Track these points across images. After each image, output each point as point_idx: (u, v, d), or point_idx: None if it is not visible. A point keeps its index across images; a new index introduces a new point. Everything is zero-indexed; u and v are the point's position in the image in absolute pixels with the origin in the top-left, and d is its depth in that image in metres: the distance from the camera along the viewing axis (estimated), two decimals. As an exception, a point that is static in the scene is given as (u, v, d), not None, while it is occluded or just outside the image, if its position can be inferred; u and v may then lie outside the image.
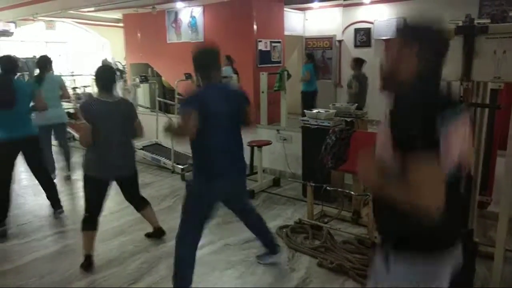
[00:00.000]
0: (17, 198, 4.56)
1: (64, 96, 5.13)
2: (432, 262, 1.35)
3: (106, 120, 2.89)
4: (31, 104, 3.76)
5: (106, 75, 3.03)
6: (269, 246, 3.03)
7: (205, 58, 2.53)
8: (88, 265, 3.05)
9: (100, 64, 7.30)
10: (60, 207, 4.04)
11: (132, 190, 3.32)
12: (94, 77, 3.08)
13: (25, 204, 4.48)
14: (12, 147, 3.58)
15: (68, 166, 5.31)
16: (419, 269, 1.36)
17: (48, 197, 4.02)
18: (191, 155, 5.59)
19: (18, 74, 8.50)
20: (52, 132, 5.16)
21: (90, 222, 3.04)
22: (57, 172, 5.22)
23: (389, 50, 1.37)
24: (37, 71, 5.03)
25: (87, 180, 3.01)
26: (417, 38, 1.30)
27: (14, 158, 3.66)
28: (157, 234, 3.51)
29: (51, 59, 5.11)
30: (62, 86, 5.07)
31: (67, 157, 5.28)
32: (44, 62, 4.93)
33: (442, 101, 1.31)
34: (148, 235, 3.55)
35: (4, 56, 3.79)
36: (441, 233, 1.32)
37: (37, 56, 9.50)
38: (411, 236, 1.34)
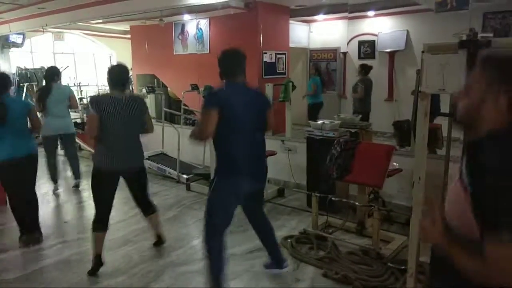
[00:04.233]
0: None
1: (73, 105, 5.17)
2: None
3: (114, 114, 2.92)
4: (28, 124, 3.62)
5: (118, 74, 3.05)
6: (275, 259, 3.00)
7: (229, 60, 2.61)
8: (97, 265, 3.12)
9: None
10: (32, 237, 3.70)
11: (140, 190, 3.30)
12: (107, 75, 3.07)
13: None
14: (12, 166, 3.46)
15: (77, 175, 5.34)
16: None
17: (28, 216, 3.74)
18: (196, 165, 5.59)
19: (26, 84, 8.69)
20: (59, 143, 5.25)
21: (100, 223, 3.10)
22: (59, 182, 5.27)
23: (469, 85, 1.18)
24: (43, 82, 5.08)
25: (95, 174, 3.03)
26: (506, 74, 1.10)
27: (18, 175, 3.52)
28: (158, 242, 3.55)
29: (59, 70, 5.19)
30: (71, 96, 5.11)
31: (75, 166, 5.31)
32: (52, 73, 4.97)
33: None
34: (154, 244, 3.58)
35: None
36: None
37: (45, 67, 9.68)
38: None
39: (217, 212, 2.63)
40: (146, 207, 3.39)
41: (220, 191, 2.60)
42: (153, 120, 7.05)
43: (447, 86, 2.14)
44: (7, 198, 3.88)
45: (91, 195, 3.12)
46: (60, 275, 3.16)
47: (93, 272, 3.10)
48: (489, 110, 1.11)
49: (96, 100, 2.98)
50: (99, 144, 3.01)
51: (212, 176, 2.75)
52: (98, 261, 3.13)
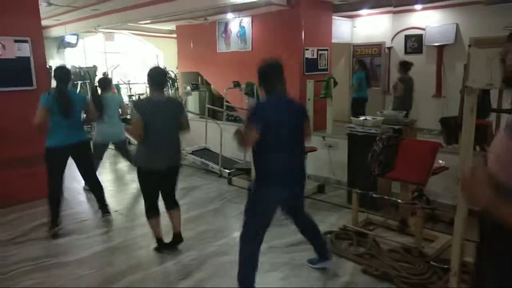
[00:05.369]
0: (78, 196, 4.96)
1: (123, 113, 5.39)
2: None
3: (157, 116, 3.13)
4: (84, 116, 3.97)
5: (157, 75, 3.29)
6: (323, 252, 3.05)
7: (270, 71, 2.65)
8: (161, 247, 3.43)
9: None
10: (107, 211, 4.20)
11: (170, 187, 3.45)
12: (147, 77, 3.28)
13: (85, 202, 4.84)
14: (63, 153, 3.76)
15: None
16: None
17: (97, 200, 4.21)
18: (237, 160, 5.73)
19: (80, 82, 9.25)
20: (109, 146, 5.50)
21: (151, 210, 3.34)
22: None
23: None
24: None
25: (140, 172, 3.26)
26: None
27: (65, 162, 3.83)
28: (175, 241, 3.51)
29: (111, 79, 5.46)
30: (122, 105, 5.35)
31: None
32: (104, 84, 5.22)
33: None
34: (170, 244, 3.53)
35: (59, 67, 3.95)
36: None
37: (97, 66, 10.20)
38: None
39: (255, 217, 2.70)
40: (171, 202, 3.50)
41: (258, 198, 2.67)
42: (196, 117, 7.29)
43: (496, 81, 2.07)
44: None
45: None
46: (111, 260, 3.39)
47: (159, 250, 3.46)
48: None
49: (138, 104, 3.22)
50: (142, 144, 3.21)
51: (252, 177, 2.83)
52: (160, 244, 3.45)
